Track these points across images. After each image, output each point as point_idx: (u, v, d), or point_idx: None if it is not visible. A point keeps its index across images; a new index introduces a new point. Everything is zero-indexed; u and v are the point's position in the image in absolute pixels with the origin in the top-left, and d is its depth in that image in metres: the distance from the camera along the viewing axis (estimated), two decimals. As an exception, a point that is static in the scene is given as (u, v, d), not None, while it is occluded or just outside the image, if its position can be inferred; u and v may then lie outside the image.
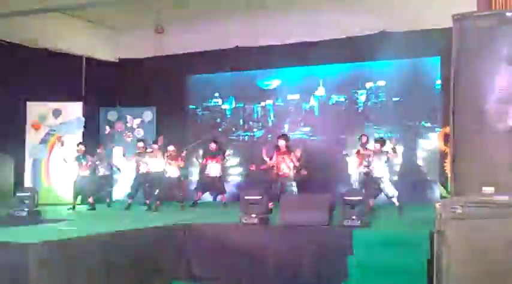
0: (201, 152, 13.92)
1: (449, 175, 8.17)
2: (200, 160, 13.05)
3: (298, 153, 11.27)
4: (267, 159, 11.11)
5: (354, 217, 7.92)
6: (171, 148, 11.91)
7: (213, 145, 12.70)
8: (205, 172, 12.57)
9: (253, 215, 8.45)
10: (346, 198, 8.16)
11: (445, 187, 9.38)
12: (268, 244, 8.11)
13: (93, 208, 12.04)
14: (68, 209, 11.85)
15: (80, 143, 12.67)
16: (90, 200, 12.21)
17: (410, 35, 12.13)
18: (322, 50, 12.92)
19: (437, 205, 5.54)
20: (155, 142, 12.28)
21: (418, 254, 6.90)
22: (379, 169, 10.34)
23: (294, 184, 10.84)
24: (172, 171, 11.83)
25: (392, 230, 7.98)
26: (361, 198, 8.12)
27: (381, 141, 10.66)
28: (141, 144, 12.35)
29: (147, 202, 11.88)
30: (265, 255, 8.02)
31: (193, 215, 10.09)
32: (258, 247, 8.13)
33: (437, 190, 11.94)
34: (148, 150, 12.27)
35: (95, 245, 7.11)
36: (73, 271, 6.63)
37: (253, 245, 8.16)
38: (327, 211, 8.05)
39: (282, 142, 11.06)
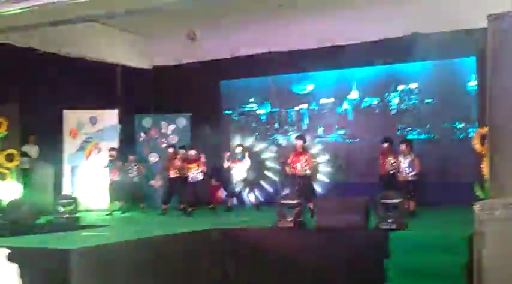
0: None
1: (486, 177, 8.08)
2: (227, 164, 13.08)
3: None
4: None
5: (390, 220, 7.87)
6: (192, 152, 12.02)
7: (238, 149, 12.78)
8: (230, 176, 12.65)
9: (289, 219, 8.46)
10: (383, 200, 8.12)
11: (482, 189, 9.24)
12: (305, 247, 8.11)
13: (124, 212, 12.22)
14: (106, 215, 12.03)
15: (112, 149, 12.91)
16: (120, 204, 12.41)
17: (443, 36, 11.98)
18: (354, 53, 12.85)
19: (475, 206, 5.50)
20: (187, 148, 12.42)
21: (457, 257, 6.84)
22: (405, 170, 10.33)
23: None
24: (197, 175, 11.92)
25: (429, 233, 7.91)
26: (397, 200, 8.07)
27: (407, 142, 10.65)
28: (171, 150, 12.53)
29: (182, 207, 11.99)
30: (301, 259, 8.02)
31: (228, 220, 10.15)
32: (294, 251, 8.14)
33: (474, 192, 11.78)
34: (180, 155, 12.48)
35: (132, 251, 7.21)
36: (111, 276, 6.73)
37: (289, 249, 8.17)
38: (364, 214, 8.02)
39: (299, 142, 11.22)
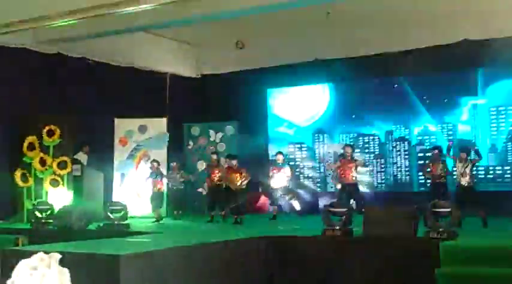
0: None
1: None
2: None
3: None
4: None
5: (440, 229, 7.75)
6: (234, 162, 12.06)
7: (280, 157, 12.79)
8: (271, 184, 12.65)
9: (337, 228, 8.41)
10: (433, 209, 8.00)
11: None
12: (352, 256, 8.04)
13: (176, 219, 12.37)
14: (153, 222, 12.19)
15: (153, 160, 13.06)
16: (156, 214, 12.53)
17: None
18: (408, 61, 12.89)
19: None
20: (230, 158, 12.48)
21: (509, 267, 6.68)
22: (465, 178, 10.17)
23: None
24: (241, 184, 11.95)
25: (480, 243, 7.76)
26: (449, 209, 7.93)
27: (466, 150, 10.52)
28: (214, 157, 12.67)
29: (223, 213, 12.05)
30: (349, 268, 7.95)
31: (276, 228, 10.14)
32: (341, 259, 8.08)
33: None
34: (222, 163, 12.60)
35: (181, 258, 7.27)
36: (159, 282, 6.79)
37: (336, 257, 8.12)
38: (412, 222, 7.91)
39: (348, 150, 11.46)
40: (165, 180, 13.03)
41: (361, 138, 14.45)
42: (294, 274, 8.36)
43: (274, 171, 12.66)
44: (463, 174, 10.26)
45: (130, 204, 12.95)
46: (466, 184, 10.27)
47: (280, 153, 13.06)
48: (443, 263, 7.21)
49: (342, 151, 12.19)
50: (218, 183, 12.40)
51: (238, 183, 11.87)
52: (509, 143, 12.86)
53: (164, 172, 13.27)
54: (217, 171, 12.47)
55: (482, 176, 12.88)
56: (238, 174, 11.94)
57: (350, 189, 11.28)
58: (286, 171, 12.63)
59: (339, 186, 11.70)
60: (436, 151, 11.25)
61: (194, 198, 14.08)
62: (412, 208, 8.22)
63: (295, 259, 8.40)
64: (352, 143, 12.65)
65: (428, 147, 13.30)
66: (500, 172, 12.95)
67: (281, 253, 8.50)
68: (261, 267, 8.39)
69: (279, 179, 12.57)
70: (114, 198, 13.39)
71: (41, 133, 12.35)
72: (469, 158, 10.40)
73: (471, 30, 12.21)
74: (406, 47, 12.94)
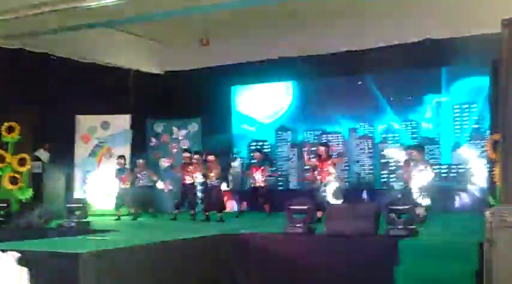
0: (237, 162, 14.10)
1: (498, 183, 8.01)
2: (245, 170, 13.12)
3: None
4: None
5: (400, 226, 7.83)
6: (211, 157, 11.96)
7: (257, 155, 12.76)
8: (251, 182, 12.63)
9: (299, 225, 8.43)
10: (392, 207, 8.07)
11: (494, 196, 9.18)
12: (314, 253, 8.07)
13: (136, 218, 12.24)
14: (115, 219, 12.07)
15: (119, 157, 12.93)
16: (132, 210, 12.44)
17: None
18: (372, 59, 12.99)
19: (486, 213, 5.45)
20: (198, 153, 12.45)
21: (467, 264, 6.76)
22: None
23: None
24: (214, 180, 11.86)
25: (439, 240, 7.85)
26: (407, 207, 8.01)
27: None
28: (186, 155, 12.51)
29: (193, 212, 11.99)
30: (310, 265, 7.98)
31: (238, 225, 10.13)
32: (303, 257, 8.10)
33: (486, 199, 11.76)
34: (193, 160, 12.47)
35: (141, 256, 7.21)
36: (120, 280, 6.73)
37: (298, 255, 8.14)
38: (373, 220, 7.98)
39: (321, 149, 11.20)
40: (130, 177, 12.84)
41: (324, 136, 14.43)
42: (256, 271, 8.37)
43: (253, 169, 12.67)
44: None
45: (92, 202, 12.92)
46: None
47: (258, 150, 13.04)
48: (402, 260, 7.28)
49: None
50: (191, 181, 12.28)
51: (214, 179, 11.79)
52: (473, 141, 12.92)
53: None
54: (192, 168, 12.32)
55: (445, 175, 13.04)
56: (214, 170, 11.83)
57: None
58: (264, 170, 12.58)
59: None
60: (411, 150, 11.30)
61: (157, 196, 13.97)
62: (373, 205, 8.29)
63: (257, 256, 8.40)
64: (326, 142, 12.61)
65: (391, 145, 13.52)
66: (463, 170, 12.99)
67: (243, 250, 8.50)
68: (222, 265, 8.38)
69: (258, 177, 12.53)
70: (75, 196, 13.25)
71: (0, 129, 12.13)
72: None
73: (434, 29, 12.37)
74: (369, 46, 13.04)
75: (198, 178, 12.16)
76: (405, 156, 11.00)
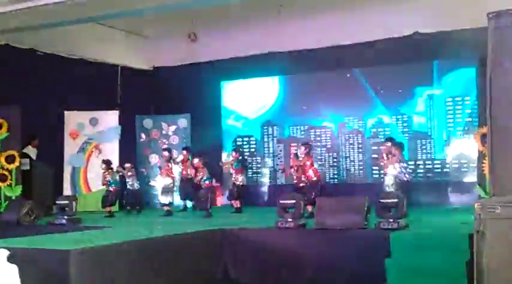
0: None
1: (487, 176, 8.06)
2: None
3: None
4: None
5: (391, 220, 7.86)
6: (197, 162, 12.12)
7: (233, 154, 12.80)
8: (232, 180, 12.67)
9: (289, 220, 8.45)
10: (383, 200, 8.10)
11: (483, 188, 9.23)
12: (305, 247, 8.09)
13: (112, 216, 12.24)
14: (105, 216, 12.03)
15: (103, 161, 12.73)
16: (109, 209, 12.38)
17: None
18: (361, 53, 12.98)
19: (476, 205, 5.47)
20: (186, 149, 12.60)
21: (457, 256, 6.81)
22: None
23: None
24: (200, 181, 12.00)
25: (430, 232, 7.90)
26: (397, 200, 8.04)
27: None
28: (166, 153, 12.58)
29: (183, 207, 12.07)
30: (301, 259, 8.00)
31: (230, 220, 10.14)
32: (294, 251, 8.12)
33: (475, 191, 11.83)
34: (178, 159, 12.60)
35: (133, 251, 7.19)
36: (111, 276, 6.71)
37: (289, 249, 8.15)
38: (363, 213, 8.00)
39: (303, 148, 11.37)
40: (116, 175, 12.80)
41: (312, 131, 14.33)
42: (248, 265, 8.38)
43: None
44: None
45: (82, 198, 12.86)
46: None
47: (236, 150, 13.06)
48: (393, 253, 7.32)
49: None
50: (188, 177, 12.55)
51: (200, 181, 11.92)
52: (466, 135, 12.66)
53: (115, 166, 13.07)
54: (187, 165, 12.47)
55: (439, 170, 13.04)
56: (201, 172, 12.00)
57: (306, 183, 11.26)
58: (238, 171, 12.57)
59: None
60: (389, 143, 11.36)
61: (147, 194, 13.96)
62: (362, 198, 8.31)
63: (248, 251, 8.41)
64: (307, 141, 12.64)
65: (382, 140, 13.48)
66: (456, 166, 12.90)
67: (234, 245, 8.50)
68: (214, 259, 8.38)
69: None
70: (65, 192, 13.19)
71: (-13, 126, 12.06)
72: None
73: (422, 23, 12.41)
74: (358, 40, 13.05)
75: (175, 174, 12.56)
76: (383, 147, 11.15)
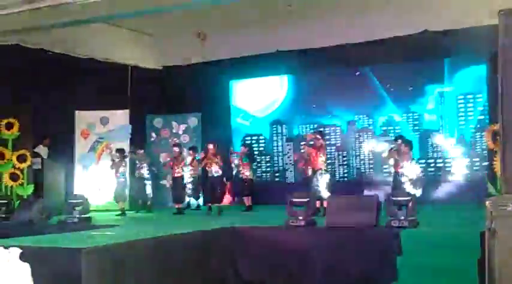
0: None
1: (498, 174, 8.03)
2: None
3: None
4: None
5: (402, 218, 7.84)
6: (210, 146, 11.97)
7: (242, 149, 12.82)
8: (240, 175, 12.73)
9: (300, 218, 8.44)
10: (394, 198, 8.09)
11: (495, 186, 9.21)
12: (315, 246, 8.08)
13: (138, 211, 12.28)
14: (117, 215, 12.07)
15: (117, 150, 12.90)
16: (121, 205, 12.46)
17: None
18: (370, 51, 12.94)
19: (487, 203, 5.46)
20: (192, 149, 12.72)
21: (469, 254, 6.78)
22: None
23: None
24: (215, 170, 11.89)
25: (441, 230, 7.88)
26: (408, 198, 8.02)
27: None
28: (176, 149, 12.66)
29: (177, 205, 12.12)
30: (312, 257, 7.99)
31: (238, 219, 10.15)
32: (305, 249, 8.11)
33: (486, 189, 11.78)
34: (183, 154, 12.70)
35: (143, 250, 7.21)
36: (122, 275, 6.73)
37: (300, 247, 8.14)
38: (374, 211, 7.99)
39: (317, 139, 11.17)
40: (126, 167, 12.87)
41: (321, 129, 14.29)
42: (258, 264, 8.37)
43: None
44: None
45: (92, 197, 12.91)
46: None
47: (245, 144, 13.10)
48: (404, 251, 7.30)
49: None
50: (180, 174, 12.58)
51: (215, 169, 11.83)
52: (478, 133, 12.63)
53: (127, 163, 13.16)
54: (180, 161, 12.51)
55: (450, 168, 13.00)
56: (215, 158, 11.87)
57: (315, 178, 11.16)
58: (246, 166, 12.57)
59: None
60: (399, 141, 11.33)
61: (158, 191, 14.00)
62: (373, 197, 8.30)
63: (258, 249, 8.40)
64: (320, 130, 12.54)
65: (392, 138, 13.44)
66: (467, 163, 12.87)
67: (245, 243, 8.50)
68: (225, 258, 8.38)
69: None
70: (76, 191, 13.25)
71: (-1, 126, 12.15)
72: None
73: (432, 21, 12.35)
74: (368, 38, 13.01)
75: (186, 171, 12.46)
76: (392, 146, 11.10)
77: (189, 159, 13.09)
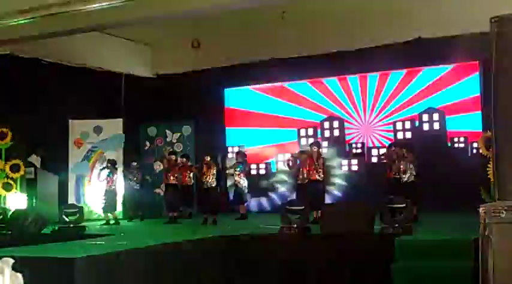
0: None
1: (491, 180, 8.04)
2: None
3: None
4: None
5: (396, 225, 7.85)
6: (207, 159, 12.02)
7: (237, 157, 12.82)
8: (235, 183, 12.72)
9: (294, 226, 8.44)
10: (389, 205, 8.10)
11: (488, 192, 9.22)
12: (310, 253, 8.08)
13: (117, 222, 12.27)
14: (112, 224, 12.03)
15: (108, 160, 12.88)
16: (111, 215, 12.46)
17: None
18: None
19: (480, 210, 5.46)
20: (184, 157, 12.65)
21: (463, 261, 6.79)
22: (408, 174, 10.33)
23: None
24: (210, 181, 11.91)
25: (435, 237, 7.88)
26: (403, 205, 8.04)
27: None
28: (173, 157, 12.63)
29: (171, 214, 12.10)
30: (307, 265, 7.99)
31: (234, 227, 10.13)
32: (300, 256, 8.11)
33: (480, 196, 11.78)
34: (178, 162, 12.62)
35: (137, 260, 7.20)
36: (117, 284, 6.72)
37: (295, 255, 8.15)
38: (368, 219, 8.00)
39: (314, 149, 11.13)
40: (119, 178, 12.86)
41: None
42: (254, 272, 8.36)
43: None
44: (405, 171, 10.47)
45: (87, 206, 12.89)
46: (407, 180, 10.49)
47: (237, 153, 13.09)
48: (398, 258, 7.31)
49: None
50: (174, 182, 12.50)
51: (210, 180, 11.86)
52: (472, 140, 12.70)
53: (120, 173, 13.14)
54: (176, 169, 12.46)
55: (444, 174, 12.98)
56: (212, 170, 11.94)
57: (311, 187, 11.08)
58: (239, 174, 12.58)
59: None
60: (393, 148, 11.35)
61: (151, 200, 13.95)
62: (368, 204, 8.31)
63: (253, 257, 8.40)
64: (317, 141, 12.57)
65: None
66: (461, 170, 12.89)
67: (239, 252, 8.49)
68: (219, 267, 8.36)
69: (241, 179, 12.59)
70: (69, 201, 13.19)
71: (-9, 136, 12.10)
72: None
73: (424, 29, 12.42)
74: (359, 46, 13.05)
75: (179, 179, 12.44)
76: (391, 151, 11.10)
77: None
